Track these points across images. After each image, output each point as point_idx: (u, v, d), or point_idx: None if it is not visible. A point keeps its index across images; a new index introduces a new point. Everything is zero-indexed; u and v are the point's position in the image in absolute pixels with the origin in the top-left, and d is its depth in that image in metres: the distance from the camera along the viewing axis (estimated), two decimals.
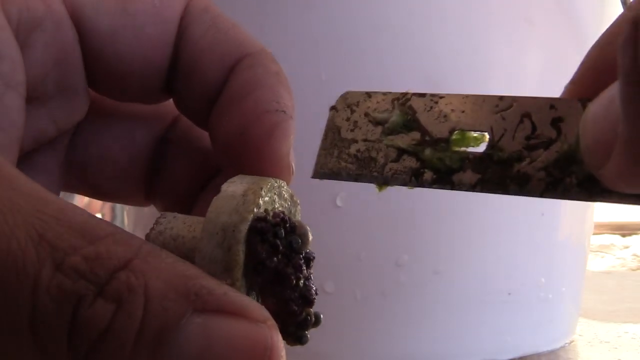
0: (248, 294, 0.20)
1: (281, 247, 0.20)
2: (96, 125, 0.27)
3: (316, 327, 0.21)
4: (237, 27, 0.26)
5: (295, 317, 0.21)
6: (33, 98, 0.23)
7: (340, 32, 0.48)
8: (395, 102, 0.25)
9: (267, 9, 0.48)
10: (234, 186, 0.21)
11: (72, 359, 0.17)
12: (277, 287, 0.21)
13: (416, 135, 0.24)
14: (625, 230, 1.34)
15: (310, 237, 0.22)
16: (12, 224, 0.17)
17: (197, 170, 0.27)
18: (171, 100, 0.27)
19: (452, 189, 0.23)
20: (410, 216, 0.47)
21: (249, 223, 0.20)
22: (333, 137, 0.25)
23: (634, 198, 0.21)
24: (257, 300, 0.21)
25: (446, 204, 0.48)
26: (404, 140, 0.24)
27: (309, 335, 0.21)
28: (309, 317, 0.21)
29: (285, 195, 0.22)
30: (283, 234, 0.21)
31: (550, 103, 0.23)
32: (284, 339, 0.20)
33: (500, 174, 0.23)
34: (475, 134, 0.24)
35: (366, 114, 0.25)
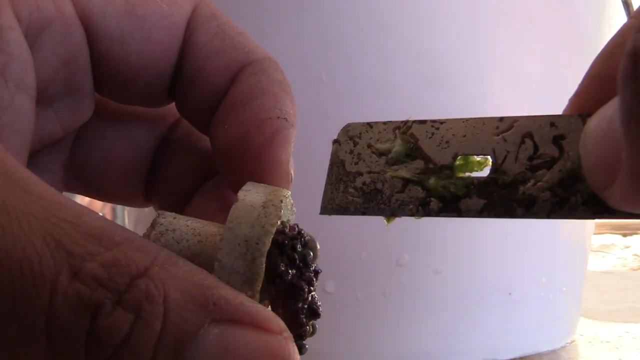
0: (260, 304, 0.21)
1: (297, 261, 0.21)
2: (98, 126, 0.27)
3: (312, 336, 0.22)
4: (243, 35, 0.26)
5: (302, 329, 0.21)
6: (40, 99, 0.23)
7: (341, 32, 0.48)
8: (397, 131, 0.25)
9: (268, 9, 0.48)
10: (250, 195, 0.21)
11: None
12: (290, 299, 0.21)
13: (420, 163, 0.24)
14: (626, 230, 1.34)
15: (319, 251, 0.22)
16: (27, 229, 0.17)
17: (195, 171, 0.27)
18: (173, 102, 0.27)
19: (459, 216, 0.23)
20: None
21: (272, 236, 0.20)
22: (338, 172, 0.25)
23: (639, 215, 0.20)
24: None
25: None
26: (408, 169, 0.24)
27: (307, 346, 0.21)
28: (309, 328, 0.21)
29: (289, 206, 0.22)
30: (299, 248, 0.21)
31: (550, 121, 0.23)
32: None
33: (505, 197, 0.23)
34: (478, 158, 0.24)
35: (369, 146, 0.25)
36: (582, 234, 0.58)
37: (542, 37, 0.52)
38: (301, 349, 0.21)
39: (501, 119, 0.23)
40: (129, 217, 0.64)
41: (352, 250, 0.49)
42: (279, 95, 0.24)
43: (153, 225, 0.22)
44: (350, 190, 0.25)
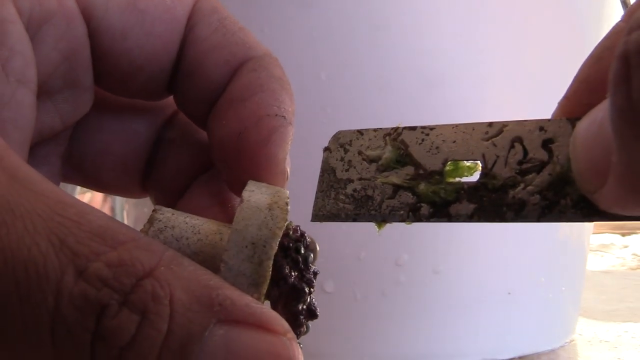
0: None
1: (300, 263, 0.21)
2: (96, 118, 0.27)
3: (305, 335, 0.22)
4: (244, 30, 0.26)
5: (300, 329, 0.21)
6: (41, 93, 0.23)
7: (340, 32, 0.48)
8: (387, 137, 0.25)
9: (267, 8, 0.48)
10: (255, 196, 0.21)
11: None
12: (291, 301, 0.21)
13: (410, 169, 0.24)
14: (625, 229, 1.34)
15: (319, 252, 0.22)
16: (32, 229, 0.17)
17: (192, 164, 0.27)
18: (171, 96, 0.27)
19: (449, 221, 0.23)
20: None
21: (279, 239, 0.20)
22: (329, 179, 0.26)
23: (629, 217, 0.21)
24: None
25: None
26: (398, 176, 0.24)
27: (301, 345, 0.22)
28: (304, 328, 0.21)
29: (287, 206, 0.23)
30: (302, 250, 0.21)
31: (540, 125, 0.23)
32: None
33: (495, 202, 0.23)
34: (468, 164, 0.24)
35: (359, 153, 0.25)
36: (581, 233, 0.58)
37: (540, 36, 0.52)
38: None
39: (490, 124, 0.24)
40: (128, 217, 0.64)
41: (351, 250, 0.49)
42: (277, 92, 0.24)
43: (151, 221, 0.21)
44: (341, 197, 0.25)
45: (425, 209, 0.24)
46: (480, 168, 0.23)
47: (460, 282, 0.50)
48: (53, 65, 0.24)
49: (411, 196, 0.24)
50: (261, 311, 0.18)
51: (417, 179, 0.24)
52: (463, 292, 0.51)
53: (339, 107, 0.48)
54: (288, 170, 0.24)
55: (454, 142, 0.24)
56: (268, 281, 0.20)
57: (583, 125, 0.21)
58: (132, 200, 0.60)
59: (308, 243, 0.22)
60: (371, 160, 0.25)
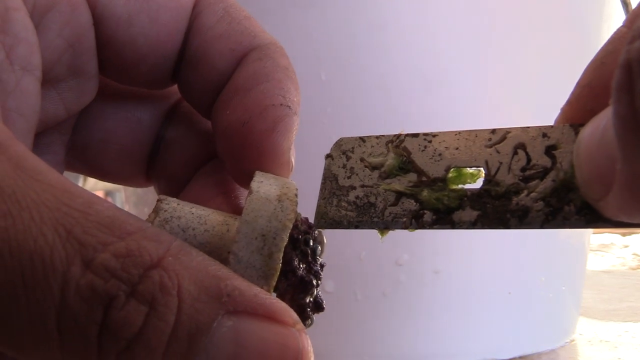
0: None
1: (309, 256, 0.21)
2: (100, 106, 0.27)
3: (309, 328, 0.22)
4: (249, 19, 0.25)
5: (306, 322, 0.21)
6: (45, 81, 0.23)
7: (340, 31, 0.48)
8: (390, 144, 0.25)
9: (267, 8, 0.48)
10: (264, 187, 0.21)
11: None
12: (299, 293, 0.21)
13: (413, 176, 0.24)
14: (625, 229, 1.34)
15: (326, 245, 0.22)
16: (38, 219, 0.17)
17: (196, 153, 0.27)
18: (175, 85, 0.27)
19: (452, 228, 0.23)
20: None
21: (289, 231, 0.20)
22: (331, 186, 0.25)
23: (634, 224, 0.21)
24: None
25: None
26: (401, 183, 0.24)
27: None
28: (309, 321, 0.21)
29: (296, 198, 0.22)
30: (311, 242, 0.21)
31: (543, 132, 0.23)
32: None
33: (499, 208, 0.23)
34: (471, 170, 0.24)
35: (362, 160, 0.25)
36: (581, 233, 0.58)
37: (541, 37, 0.52)
38: None
39: (493, 130, 0.24)
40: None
41: (351, 249, 0.49)
42: (283, 82, 0.24)
43: (156, 211, 0.21)
44: (344, 204, 0.25)
45: (428, 215, 0.24)
46: (483, 175, 0.23)
47: (460, 282, 0.50)
48: (58, 53, 0.23)
49: (414, 203, 0.24)
50: (270, 302, 0.18)
51: (420, 186, 0.24)
52: (463, 292, 0.51)
53: (339, 107, 0.48)
54: (293, 160, 0.24)
55: (457, 148, 0.24)
56: (278, 273, 0.20)
57: (586, 132, 0.21)
58: (132, 199, 0.60)
59: (316, 235, 0.22)
60: (373, 167, 0.25)
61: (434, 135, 0.24)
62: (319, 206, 0.25)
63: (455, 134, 0.24)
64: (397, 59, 0.48)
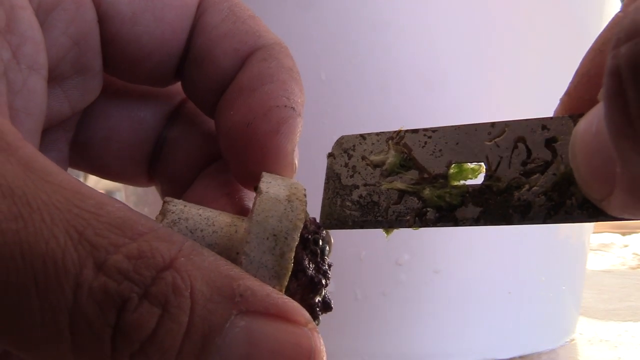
0: None
1: (318, 256, 0.21)
2: (103, 104, 0.27)
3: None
4: (254, 18, 0.25)
5: (315, 322, 0.21)
6: (50, 78, 0.23)
7: (340, 31, 0.48)
8: (390, 141, 0.25)
9: (266, 8, 0.48)
10: (273, 188, 0.21)
11: None
12: (309, 293, 0.21)
13: (414, 173, 0.24)
14: (625, 229, 1.34)
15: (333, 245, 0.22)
16: (49, 221, 0.17)
17: (200, 153, 0.27)
18: (179, 82, 0.27)
19: (456, 225, 0.23)
20: None
21: (300, 230, 0.20)
22: (334, 185, 0.25)
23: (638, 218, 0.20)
24: None
25: None
26: (403, 180, 0.24)
27: None
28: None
29: (305, 198, 0.22)
30: (320, 242, 0.21)
31: (542, 124, 0.23)
32: None
33: (501, 204, 0.23)
34: (472, 165, 0.24)
35: (363, 158, 0.25)
36: (581, 232, 0.58)
37: (541, 35, 0.52)
38: None
39: (493, 124, 0.23)
40: None
41: (351, 249, 0.49)
42: (287, 83, 0.24)
43: (164, 213, 0.21)
44: (348, 203, 0.25)
45: (431, 213, 0.24)
46: (484, 170, 0.23)
47: (460, 282, 0.50)
48: (63, 51, 0.23)
49: (417, 201, 0.24)
50: (283, 301, 0.18)
51: (422, 183, 0.24)
52: (463, 292, 0.51)
53: (339, 107, 0.48)
54: (296, 162, 0.24)
55: (457, 144, 0.24)
56: (289, 273, 0.20)
57: (579, 134, 0.21)
58: (132, 199, 0.60)
59: (324, 235, 0.22)
60: (375, 166, 0.25)
61: (434, 130, 0.24)
62: (323, 206, 0.25)
63: (455, 129, 0.24)
64: (397, 59, 0.48)
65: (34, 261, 0.16)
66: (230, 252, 0.20)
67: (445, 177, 0.24)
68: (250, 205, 0.26)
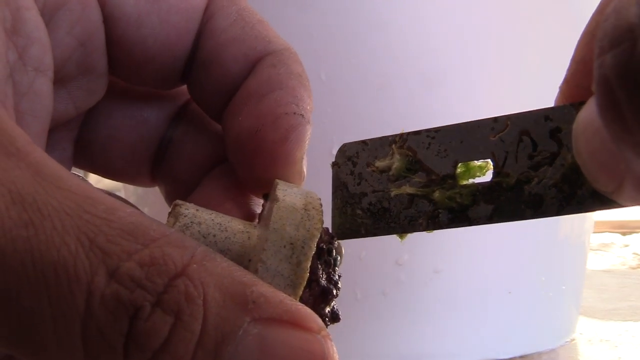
0: None
1: (331, 266, 0.21)
2: (107, 104, 0.27)
3: None
4: (263, 23, 0.25)
5: None
6: (56, 79, 0.23)
7: (340, 31, 0.48)
8: (393, 145, 0.24)
9: (266, 9, 0.48)
10: (289, 196, 0.21)
11: None
12: (320, 303, 0.21)
13: (422, 175, 0.24)
14: (625, 228, 1.34)
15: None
16: (60, 228, 0.16)
17: (204, 155, 0.27)
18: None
19: (470, 224, 0.23)
20: None
21: (317, 240, 0.20)
22: (342, 195, 0.25)
23: None
24: None
25: None
26: (411, 184, 0.24)
27: None
28: None
29: (321, 207, 0.22)
30: (334, 252, 0.21)
31: (545, 114, 0.22)
32: None
33: (512, 200, 0.22)
34: (479, 163, 0.23)
35: (368, 165, 0.25)
36: (581, 232, 0.58)
37: (541, 34, 0.52)
38: None
39: (495, 119, 0.23)
40: None
41: (351, 249, 0.48)
42: (296, 90, 0.24)
43: (176, 216, 0.21)
44: (358, 212, 0.25)
45: (443, 215, 0.23)
46: (491, 167, 0.23)
47: (460, 282, 0.50)
48: (68, 51, 0.23)
49: (427, 204, 0.24)
50: (296, 308, 0.18)
51: (431, 186, 0.24)
52: (463, 292, 0.51)
53: (339, 107, 0.48)
54: (305, 170, 0.24)
55: (461, 142, 0.23)
56: (305, 282, 0.20)
57: (581, 129, 0.20)
58: (132, 199, 0.60)
59: (336, 246, 0.22)
60: (381, 171, 0.25)
61: (436, 130, 0.24)
62: (334, 217, 0.25)
63: (457, 127, 0.24)
64: (397, 59, 0.48)
65: (45, 269, 0.16)
66: (242, 259, 0.20)
67: (454, 177, 0.23)
68: (257, 210, 0.25)
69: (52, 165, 0.18)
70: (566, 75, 0.22)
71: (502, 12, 0.50)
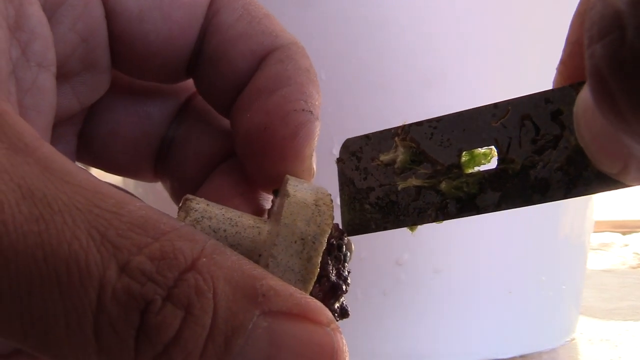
0: None
1: (341, 262, 0.21)
2: (111, 99, 0.27)
3: None
4: (269, 17, 0.25)
5: None
6: (59, 75, 0.23)
7: (340, 31, 0.48)
8: (396, 138, 0.24)
9: (267, 8, 0.48)
10: (300, 192, 0.21)
11: None
12: (330, 298, 0.21)
13: (427, 166, 0.24)
14: (625, 228, 1.34)
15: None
16: (71, 223, 0.16)
17: (210, 150, 0.27)
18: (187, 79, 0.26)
19: (478, 213, 0.23)
20: None
21: (327, 235, 0.20)
22: (349, 190, 0.25)
23: None
24: None
25: None
26: (417, 176, 0.24)
27: None
28: None
29: (332, 203, 0.22)
30: (344, 248, 0.21)
31: (545, 97, 0.22)
32: None
33: (519, 186, 0.22)
34: (483, 150, 0.23)
35: (373, 159, 0.25)
36: (581, 232, 0.58)
37: (541, 34, 0.52)
38: None
39: (496, 105, 0.23)
40: None
41: None
42: (305, 86, 0.24)
43: (187, 210, 0.21)
44: (367, 207, 0.25)
45: (452, 205, 0.23)
46: (495, 154, 0.23)
47: (460, 282, 0.50)
48: (71, 47, 0.23)
49: (435, 195, 0.24)
50: (305, 301, 0.18)
51: (437, 176, 0.24)
52: (463, 292, 0.51)
53: (340, 107, 0.48)
54: (314, 166, 0.24)
55: (464, 130, 0.23)
56: (315, 278, 0.20)
57: (581, 112, 0.20)
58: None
59: (346, 242, 0.22)
60: (386, 165, 0.25)
61: (438, 120, 0.24)
62: (343, 213, 0.25)
63: (458, 115, 0.24)
64: (397, 58, 0.48)
65: (57, 264, 0.16)
66: (253, 254, 0.20)
67: (459, 166, 0.23)
68: (266, 205, 0.25)
69: (60, 160, 0.18)
70: (562, 56, 0.22)
71: (502, 12, 0.50)
